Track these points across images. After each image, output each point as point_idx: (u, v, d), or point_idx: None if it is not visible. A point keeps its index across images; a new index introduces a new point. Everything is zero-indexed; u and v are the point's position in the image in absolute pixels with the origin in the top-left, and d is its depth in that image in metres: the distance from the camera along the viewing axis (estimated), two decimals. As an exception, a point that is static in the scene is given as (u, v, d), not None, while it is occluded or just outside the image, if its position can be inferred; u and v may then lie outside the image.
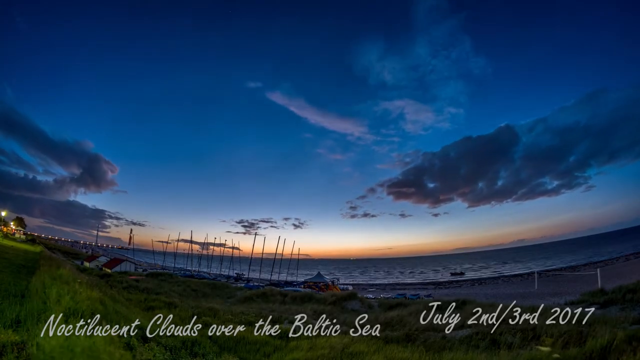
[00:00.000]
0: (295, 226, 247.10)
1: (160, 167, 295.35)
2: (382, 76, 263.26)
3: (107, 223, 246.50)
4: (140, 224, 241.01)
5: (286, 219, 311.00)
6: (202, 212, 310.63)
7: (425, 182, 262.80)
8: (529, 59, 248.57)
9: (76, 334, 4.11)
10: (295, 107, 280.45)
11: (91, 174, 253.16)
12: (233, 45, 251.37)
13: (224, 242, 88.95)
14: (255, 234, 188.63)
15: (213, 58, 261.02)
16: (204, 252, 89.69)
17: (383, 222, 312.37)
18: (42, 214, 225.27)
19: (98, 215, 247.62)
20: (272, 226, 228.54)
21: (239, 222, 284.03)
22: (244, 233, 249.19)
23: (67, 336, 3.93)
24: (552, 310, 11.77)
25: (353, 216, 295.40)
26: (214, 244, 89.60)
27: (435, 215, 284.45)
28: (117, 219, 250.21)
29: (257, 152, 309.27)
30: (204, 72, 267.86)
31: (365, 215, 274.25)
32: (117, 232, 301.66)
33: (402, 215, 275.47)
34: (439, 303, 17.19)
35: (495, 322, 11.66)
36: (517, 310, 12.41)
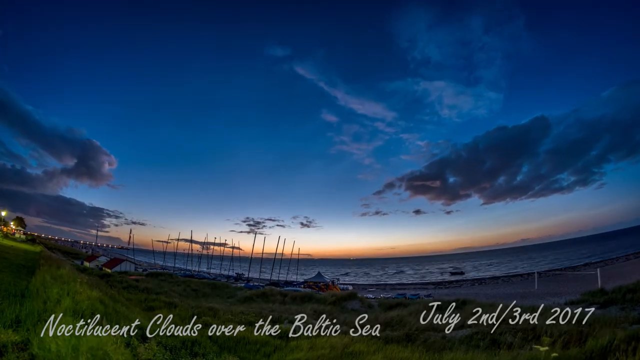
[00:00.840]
0: (303, 225, 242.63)
1: (160, 165, 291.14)
2: (428, 50, 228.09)
3: (105, 222, 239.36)
4: (140, 223, 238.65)
5: (295, 217, 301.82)
6: (203, 211, 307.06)
7: (447, 176, 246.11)
8: (579, 43, 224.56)
9: (78, 333, 4.12)
10: (325, 83, 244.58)
11: (86, 164, 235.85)
12: (253, 12, 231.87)
13: (224, 241, 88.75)
14: (255, 234, 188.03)
15: (223, 30, 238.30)
16: (205, 251, 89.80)
17: (393, 220, 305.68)
18: (37, 213, 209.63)
19: (96, 214, 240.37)
20: (278, 225, 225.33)
21: (244, 221, 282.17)
22: (249, 232, 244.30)
23: (70, 335, 3.94)
24: (552, 310, 11.77)
25: (364, 214, 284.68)
26: (214, 244, 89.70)
27: (448, 212, 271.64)
28: (116, 217, 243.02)
29: (266, 146, 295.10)
30: (210, 58, 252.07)
31: (377, 213, 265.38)
32: (117, 231, 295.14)
33: (417, 212, 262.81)
34: (439, 303, 17.20)
35: (495, 322, 11.67)
36: (517, 310, 12.42)
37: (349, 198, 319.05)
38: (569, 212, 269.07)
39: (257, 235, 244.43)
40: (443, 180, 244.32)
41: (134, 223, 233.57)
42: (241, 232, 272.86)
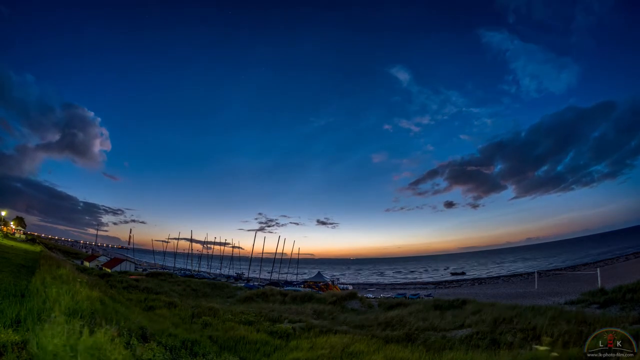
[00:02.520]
0: (320, 223, 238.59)
1: (160, 164, 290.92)
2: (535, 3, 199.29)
3: (103, 220, 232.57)
4: (141, 222, 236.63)
5: (311, 214, 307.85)
6: (203, 210, 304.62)
7: (496, 163, 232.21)
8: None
9: (78, 333, 4.11)
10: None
11: (70, 137, 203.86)
12: (250, 11, 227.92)
13: (224, 241, 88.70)
14: (255, 233, 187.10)
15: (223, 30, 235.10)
16: (205, 251, 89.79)
17: (415, 216, 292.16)
18: (27, 208, 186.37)
19: (91, 210, 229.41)
20: (292, 222, 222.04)
21: (256, 219, 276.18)
22: (258, 230, 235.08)
23: (69, 335, 3.93)
24: (552, 310, 11.80)
25: (388, 210, 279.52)
26: (214, 243, 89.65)
27: (475, 207, 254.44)
28: (115, 214, 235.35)
29: (285, 138, 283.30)
30: (213, 56, 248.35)
31: (402, 208, 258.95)
32: (116, 230, 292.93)
33: (449, 205, 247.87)
34: (439, 303, 17.22)
35: (495, 322, 11.68)
36: (517, 310, 12.44)
37: (381, 191, 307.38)
38: (581, 210, 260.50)
39: (268, 233, 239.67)
40: (488, 168, 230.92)
41: (134, 221, 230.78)
42: (250, 230, 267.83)
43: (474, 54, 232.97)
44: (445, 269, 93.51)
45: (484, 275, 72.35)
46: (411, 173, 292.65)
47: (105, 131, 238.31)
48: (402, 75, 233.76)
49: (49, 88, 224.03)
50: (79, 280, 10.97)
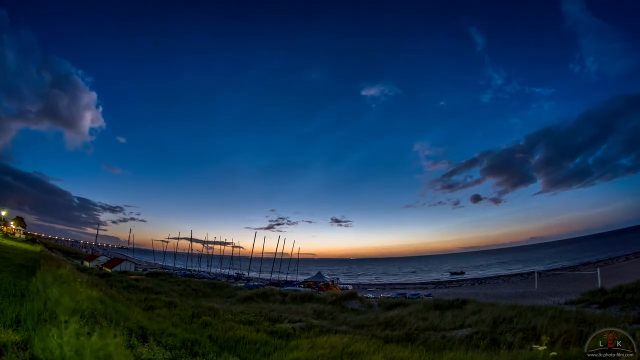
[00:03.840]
0: (335, 221, 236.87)
1: (161, 163, 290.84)
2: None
3: (101, 218, 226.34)
4: (141, 220, 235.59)
5: (325, 213, 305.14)
6: (204, 210, 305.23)
7: (536, 152, 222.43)
8: None
9: (78, 333, 4.11)
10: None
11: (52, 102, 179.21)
12: (250, 11, 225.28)
13: (224, 240, 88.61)
14: (255, 233, 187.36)
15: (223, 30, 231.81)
16: (205, 251, 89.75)
17: (433, 213, 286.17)
18: (18, 204, 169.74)
19: (86, 207, 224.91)
20: (306, 221, 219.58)
21: (267, 216, 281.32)
22: (267, 228, 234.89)
23: (71, 336, 3.93)
24: (552, 310, 11.79)
25: (408, 206, 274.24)
26: (215, 242, 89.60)
27: (498, 202, 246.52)
28: (113, 212, 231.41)
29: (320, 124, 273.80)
30: (217, 53, 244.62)
31: (424, 204, 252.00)
32: (116, 229, 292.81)
33: (476, 200, 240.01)
34: (439, 302, 17.22)
35: (495, 322, 11.68)
36: (517, 310, 12.44)
37: (407, 185, 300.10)
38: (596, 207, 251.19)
39: (277, 232, 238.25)
40: (528, 157, 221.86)
41: (133, 219, 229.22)
42: (259, 228, 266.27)
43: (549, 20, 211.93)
44: (459, 271, 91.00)
45: (484, 275, 72.36)
46: (449, 162, 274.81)
47: (94, 98, 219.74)
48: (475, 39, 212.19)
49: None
50: (79, 280, 10.96)
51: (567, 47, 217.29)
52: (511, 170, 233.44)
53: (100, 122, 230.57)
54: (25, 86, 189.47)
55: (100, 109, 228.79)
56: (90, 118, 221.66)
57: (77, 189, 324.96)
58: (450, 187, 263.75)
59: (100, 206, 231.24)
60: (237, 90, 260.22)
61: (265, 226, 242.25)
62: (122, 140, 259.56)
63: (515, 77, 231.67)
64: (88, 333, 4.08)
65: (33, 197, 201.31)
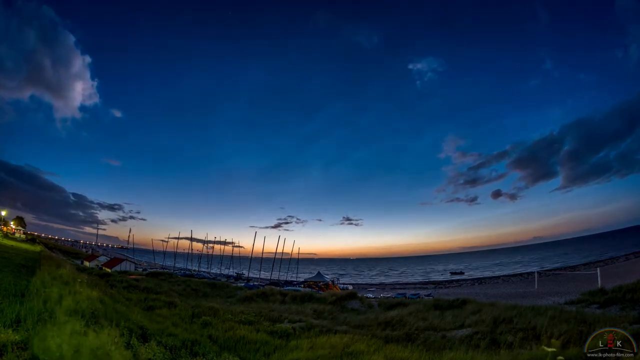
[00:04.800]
0: (346, 220, 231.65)
1: (161, 163, 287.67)
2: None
3: (100, 217, 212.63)
4: (141, 219, 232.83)
5: (337, 212, 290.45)
6: (205, 209, 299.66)
7: (564, 145, 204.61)
8: None
9: (78, 333, 4.11)
10: None
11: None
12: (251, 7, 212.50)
13: (224, 240, 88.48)
14: (255, 233, 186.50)
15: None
16: (206, 250, 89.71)
17: (449, 210, 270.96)
18: (10, 201, 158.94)
19: (83, 204, 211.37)
20: (318, 219, 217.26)
21: (276, 216, 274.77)
22: (275, 227, 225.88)
23: (71, 336, 3.93)
24: (552, 310, 11.79)
25: (423, 203, 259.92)
26: (215, 242, 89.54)
27: (514, 198, 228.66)
28: (112, 209, 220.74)
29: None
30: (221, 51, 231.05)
31: (442, 200, 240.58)
32: (115, 229, 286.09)
33: (497, 195, 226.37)
34: (439, 303, 17.22)
35: (495, 322, 11.68)
36: (517, 310, 12.44)
37: (427, 180, 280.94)
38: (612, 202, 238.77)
39: (284, 230, 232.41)
40: (557, 150, 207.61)
41: (132, 218, 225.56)
42: (266, 227, 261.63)
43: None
44: (459, 271, 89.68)
45: (484, 275, 72.38)
46: (478, 154, 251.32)
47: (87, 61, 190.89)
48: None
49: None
50: (79, 280, 10.97)
51: (615, 34, 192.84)
52: (537, 163, 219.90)
53: (96, 99, 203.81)
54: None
55: (96, 83, 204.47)
56: (81, 88, 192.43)
57: (72, 184, 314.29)
58: (473, 181, 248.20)
59: (98, 203, 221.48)
60: (238, 88, 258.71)
61: (273, 225, 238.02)
62: (117, 114, 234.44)
63: (563, 61, 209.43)
64: (85, 332, 4.08)
65: (26, 194, 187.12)
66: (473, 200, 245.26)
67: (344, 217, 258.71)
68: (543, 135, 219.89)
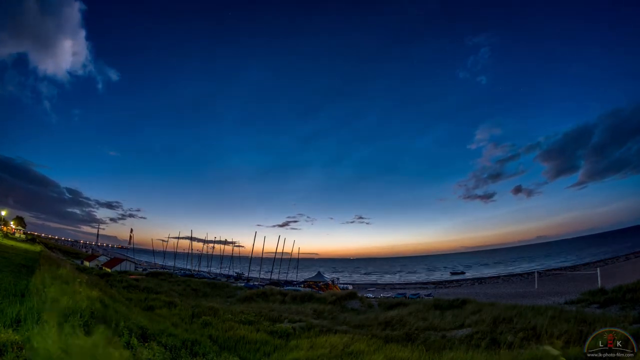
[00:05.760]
0: (358, 218, 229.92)
1: (160, 162, 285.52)
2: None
3: (98, 216, 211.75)
4: (141, 217, 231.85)
5: (348, 211, 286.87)
6: (206, 208, 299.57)
7: (594, 136, 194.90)
8: None
9: (76, 333, 4.11)
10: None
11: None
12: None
13: (224, 240, 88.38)
14: (255, 234, 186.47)
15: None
16: (206, 250, 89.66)
17: (464, 207, 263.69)
18: (3, 197, 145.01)
19: (78, 201, 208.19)
20: (330, 217, 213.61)
21: (287, 214, 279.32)
22: (282, 225, 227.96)
23: (69, 335, 3.93)
24: (552, 310, 11.79)
25: (442, 199, 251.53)
26: (215, 241, 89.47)
27: (530, 195, 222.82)
28: (110, 207, 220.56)
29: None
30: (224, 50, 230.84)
31: (459, 197, 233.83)
32: (115, 228, 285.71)
33: (517, 191, 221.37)
34: (439, 302, 17.22)
35: (495, 322, 11.68)
36: (517, 310, 12.44)
37: (447, 176, 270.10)
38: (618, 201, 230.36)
39: (291, 229, 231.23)
40: (586, 140, 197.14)
41: (132, 216, 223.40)
42: (273, 226, 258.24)
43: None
44: (459, 270, 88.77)
45: (484, 275, 72.38)
46: (511, 145, 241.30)
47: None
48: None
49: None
50: (78, 280, 10.96)
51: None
52: (564, 156, 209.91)
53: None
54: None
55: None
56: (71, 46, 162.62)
57: (66, 179, 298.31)
58: (497, 176, 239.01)
59: (95, 200, 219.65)
60: (239, 87, 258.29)
61: (281, 223, 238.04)
62: (114, 77, 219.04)
63: (611, 47, 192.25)
64: (84, 332, 4.08)
65: (18, 189, 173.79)
66: (490, 197, 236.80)
67: (355, 216, 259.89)
68: (578, 125, 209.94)
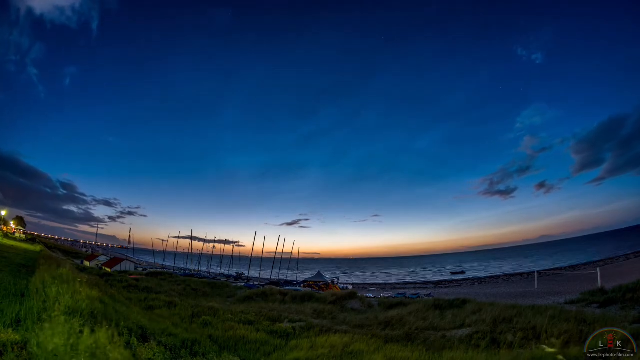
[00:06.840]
0: (375, 216, 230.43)
1: (160, 162, 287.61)
2: None
3: (96, 214, 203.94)
4: (142, 215, 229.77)
5: (364, 211, 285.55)
6: (207, 208, 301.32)
7: (625, 128, 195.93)
8: None
9: (77, 333, 4.11)
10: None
11: None
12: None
13: (224, 239, 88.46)
14: (255, 232, 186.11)
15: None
16: (206, 250, 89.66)
17: (479, 204, 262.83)
18: None
19: (74, 198, 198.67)
20: (345, 217, 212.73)
21: (297, 213, 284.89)
22: (291, 224, 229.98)
23: (69, 335, 3.93)
24: (552, 310, 11.79)
25: (458, 197, 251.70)
26: (215, 241, 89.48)
27: (548, 191, 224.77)
28: (108, 205, 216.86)
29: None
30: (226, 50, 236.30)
31: (487, 192, 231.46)
32: (114, 228, 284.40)
33: (540, 186, 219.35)
34: (439, 302, 17.22)
35: (495, 321, 11.68)
36: (517, 310, 12.44)
37: (468, 172, 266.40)
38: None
39: (299, 228, 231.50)
40: (617, 132, 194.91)
41: (131, 214, 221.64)
42: (282, 224, 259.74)
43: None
44: (459, 270, 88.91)
45: (484, 275, 72.38)
46: (548, 135, 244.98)
47: None
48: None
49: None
50: (78, 279, 10.95)
51: None
52: (594, 149, 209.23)
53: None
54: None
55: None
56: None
57: (57, 171, 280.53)
58: (524, 170, 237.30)
59: (92, 196, 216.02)
60: (239, 86, 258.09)
61: (290, 221, 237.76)
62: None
63: None
64: (84, 332, 4.07)
65: (6, 183, 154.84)
66: (510, 192, 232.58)
67: (373, 215, 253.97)
68: (617, 116, 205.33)
